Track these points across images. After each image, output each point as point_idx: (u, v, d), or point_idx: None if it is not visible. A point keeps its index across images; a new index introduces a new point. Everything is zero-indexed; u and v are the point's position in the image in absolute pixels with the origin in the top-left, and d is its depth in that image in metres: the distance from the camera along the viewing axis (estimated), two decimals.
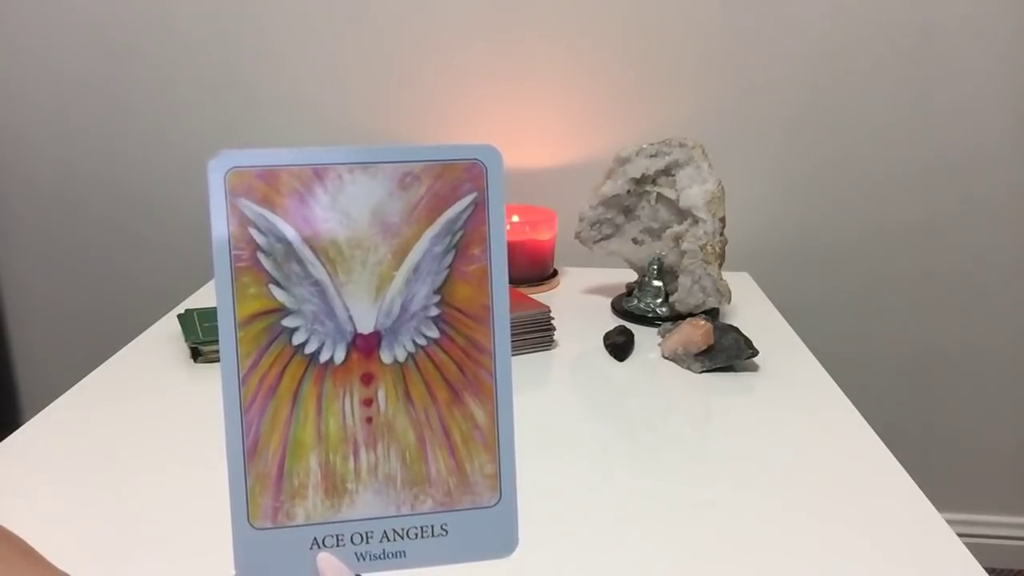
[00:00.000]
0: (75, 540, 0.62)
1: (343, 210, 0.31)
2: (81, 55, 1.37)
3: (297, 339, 0.31)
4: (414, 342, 0.32)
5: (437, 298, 0.32)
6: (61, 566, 0.38)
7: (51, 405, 0.84)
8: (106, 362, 0.95)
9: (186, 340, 0.96)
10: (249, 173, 0.30)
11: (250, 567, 0.31)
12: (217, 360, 0.99)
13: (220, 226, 0.30)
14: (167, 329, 1.04)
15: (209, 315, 1.01)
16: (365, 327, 0.32)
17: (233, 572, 0.31)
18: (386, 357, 0.32)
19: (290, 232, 0.31)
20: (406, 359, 0.32)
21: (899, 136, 1.33)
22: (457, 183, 0.32)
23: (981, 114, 1.30)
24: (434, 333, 0.32)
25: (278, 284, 0.31)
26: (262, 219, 0.30)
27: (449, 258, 0.32)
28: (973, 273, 1.38)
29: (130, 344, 1.00)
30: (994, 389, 1.45)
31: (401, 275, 0.32)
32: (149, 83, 1.39)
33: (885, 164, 1.35)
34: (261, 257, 0.31)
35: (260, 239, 0.30)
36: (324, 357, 0.31)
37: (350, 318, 0.31)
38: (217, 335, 0.98)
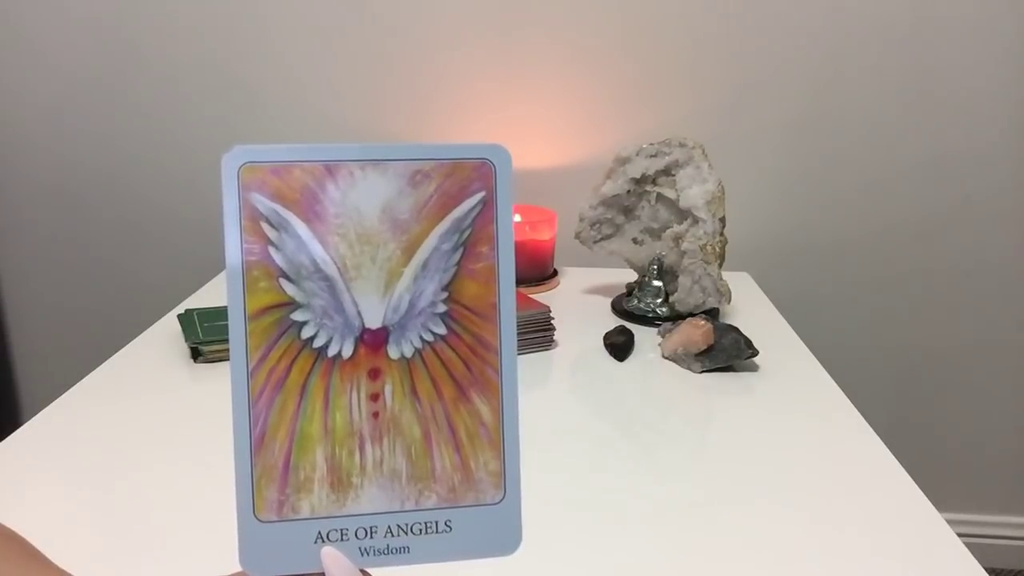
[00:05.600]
0: (76, 539, 0.62)
1: (354, 206, 0.31)
2: (82, 54, 1.37)
3: (306, 333, 0.31)
4: (421, 338, 0.32)
5: (445, 295, 0.32)
6: (62, 565, 0.38)
7: (51, 405, 0.84)
8: (106, 362, 0.94)
9: (186, 340, 0.96)
10: (262, 168, 0.31)
11: (254, 560, 0.31)
12: (217, 360, 1.00)
13: (232, 220, 0.30)
14: (167, 329, 1.04)
15: (209, 315, 1.01)
16: (373, 322, 0.32)
17: (236, 565, 0.31)
18: (393, 353, 0.32)
19: (301, 227, 0.31)
20: (413, 355, 0.32)
21: (899, 136, 1.33)
22: (466, 182, 0.32)
23: (981, 114, 1.31)
24: (441, 330, 0.32)
25: (288, 278, 0.31)
26: (274, 214, 0.31)
27: (457, 256, 0.32)
28: (973, 273, 1.39)
29: (130, 344, 1.00)
30: (994, 389, 1.45)
31: (410, 271, 0.32)
32: (149, 82, 1.39)
33: (885, 164, 1.35)
34: (272, 251, 0.31)
35: (271, 233, 0.31)
36: (332, 351, 0.31)
37: (359, 313, 0.32)
38: (217, 335, 0.98)
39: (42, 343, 1.56)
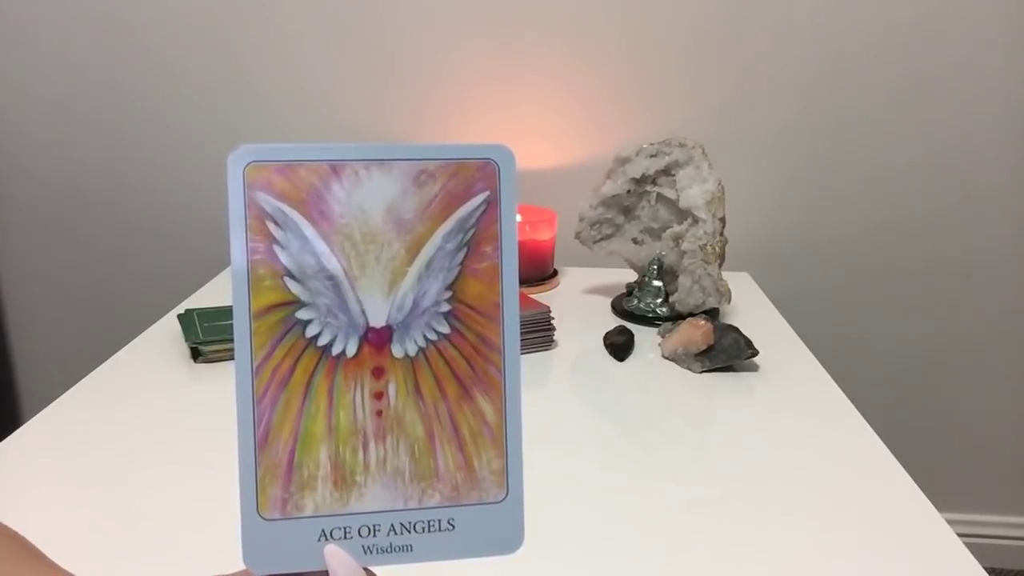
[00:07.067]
0: (76, 539, 0.62)
1: (358, 206, 0.31)
2: (82, 54, 1.37)
3: (310, 331, 0.31)
4: (425, 337, 0.32)
5: (448, 294, 0.32)
6: (63, 565, 0.38)
7: (51, 405, 0.84)
8: (106, 362, 0.94)
9: (186, 340, 0.96)
10: (268, 168, 0.31)
11: (258, 558, 0.31)
12: (217, 360, 1.00)
13: (237, 219, 0.30)
14: (167, 329, 1.04)
15: (209, 315, 1.01)
16: (377, 321, 0.32)
17: (239, 563, 0.31)
18: (397, 351, 0.32)
19: (306, 226, 0.31)
20: (417, 354, 0.32)
21: (899, 135, 1.34)
22: (470, 182, 0.32)
23: (981, 113, 1.31)
24: (445, 329, 0.32)
25: (293, 277, 0.31)
26: (279, 213, 0.31)
27: (461, 255, 0.32)
28: (973, 272, 1.39)
29: (130, 344, 1.00)
30: (994, 389, 1.45)
31: (414, 271, 0.32)
32: (150, 82, 1.39)
33: (885, 164, 1.35)
34: (277, 250, 0.31)
35: (277, 232, 0.31)
36: (336, 350, 0.32)
37: (363, 312, 0.32)
38: (217, 335, 0.98)
39: (42, 343, 1.56)
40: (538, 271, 1.28)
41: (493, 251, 0.32)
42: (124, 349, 0.98)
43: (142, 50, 1.37)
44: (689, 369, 0.97)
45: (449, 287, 0.32)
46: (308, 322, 0.31)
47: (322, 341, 0.31)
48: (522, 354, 1.03)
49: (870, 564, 0.61)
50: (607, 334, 1.03)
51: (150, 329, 1.05)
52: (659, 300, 1.13)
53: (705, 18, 1.30)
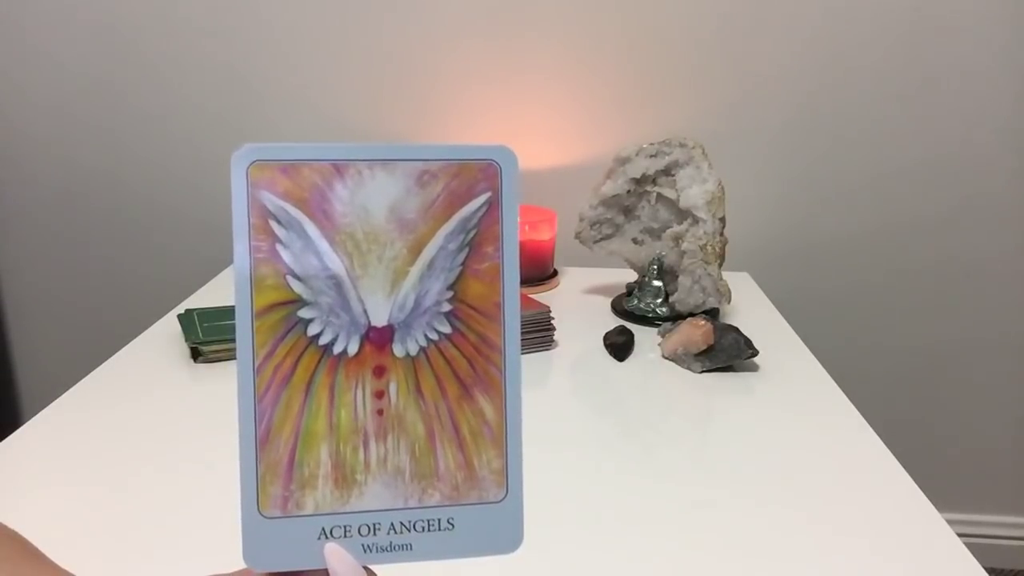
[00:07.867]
0: (76, 539, 0.62)
1: (361, 205, 0.31)
2: (83, 53, 1.37)
3: (312, 330, 0.31)
4: (426, 336, 0.32)
5: (450, 294, 0.32)
6: (63, 565, 0.38)
7: (51, 405, 0.84)
8: (106, 362, 0.94)
9: (186, 340, 0.96)
10: (271, 167, 0.31)
11: (258, 555, 0.31)
12: (217, 360, 1.00)
13: (241, 218, 0.31)
14: (167, 329, 1.04)
15: (209, 315, 1.01)
16: (379, 320, 0.32)
17: (239, 562, 0.32)
18: (398, 351, 0.32)
19: (309, 226, 0.31)
20: (418, 353, 0.32)
21: (899, 136, 1.34)
22: (473, 182, 0.32)
23: (981, 114, 1.31)
24: (446, 328, 0.32)
25: (295, 276, 0.31)
26: (283, 212, 0.31)
27: (463, 255, 0.32)
28: (973, 272, 1.39)
29: (130, 344, 1.00)
30: (994, 389, 1.45)
31: (416, 270, 0.32)
32: (151, 82, 1.39)
33: (885, 164, 1.35)
34: (280, 249, 0.31)
35: (280, 231, 0.31)
36: (338, 348, 0.32)
37: (364, 311, 0.32)
38: (218, 335, 0.97)
39: (42, 343, 1.56)
40: (538, 271, 1.28)
41: (494, 251, 0.32)
42: (124, 349, 0.98)
43: (142, 50, 1.37)
44: (689, 369, 0.97)
45: (450, 287, 0.32)
46: (310, 321, 0.31)
47: (324, 340, 0.32)
48: (522, 354, 1.03)
49: (870, 563, 0.61)
50: (607, 334, 1.03)
51: (150, 329, 1.05)
52: (659, 300, 1.13)
53: (705, 18, 1.30)
